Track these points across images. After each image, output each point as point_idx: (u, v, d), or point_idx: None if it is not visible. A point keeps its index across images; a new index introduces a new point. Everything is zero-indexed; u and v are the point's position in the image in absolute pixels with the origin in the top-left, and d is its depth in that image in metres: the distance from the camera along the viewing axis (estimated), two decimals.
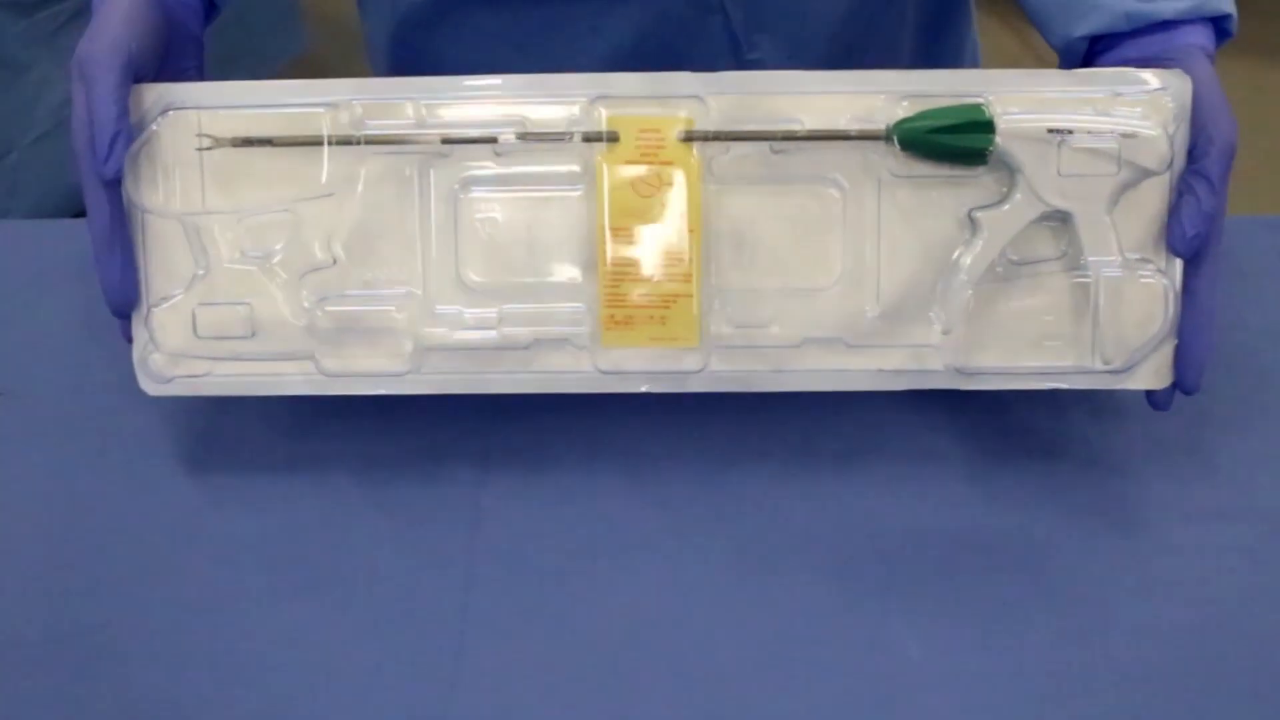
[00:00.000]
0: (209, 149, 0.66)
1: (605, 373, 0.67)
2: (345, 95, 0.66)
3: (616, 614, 0.64)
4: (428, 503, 0.69)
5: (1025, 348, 0.67)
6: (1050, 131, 0.64)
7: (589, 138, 0.65)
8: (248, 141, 0.66)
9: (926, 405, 0.70)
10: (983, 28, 0.97)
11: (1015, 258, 0.66)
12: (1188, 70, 0.66)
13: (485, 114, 0.66)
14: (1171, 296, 0.66)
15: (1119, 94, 0.65)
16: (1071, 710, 0.60)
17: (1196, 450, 0.71)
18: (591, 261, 0.66)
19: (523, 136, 0.65)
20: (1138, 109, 0.65)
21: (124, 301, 0.66)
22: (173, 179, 0.66)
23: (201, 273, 0.67)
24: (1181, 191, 0.65)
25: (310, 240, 0.67)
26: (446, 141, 0.66)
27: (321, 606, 0.65)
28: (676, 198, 0.65)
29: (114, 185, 0.64)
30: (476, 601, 0.65)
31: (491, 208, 0.67)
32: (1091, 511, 0.68)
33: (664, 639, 0.63)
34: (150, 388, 0.68)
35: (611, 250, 0.66)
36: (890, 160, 0.65)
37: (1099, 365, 0.66)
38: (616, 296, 0.66)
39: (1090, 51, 0.71)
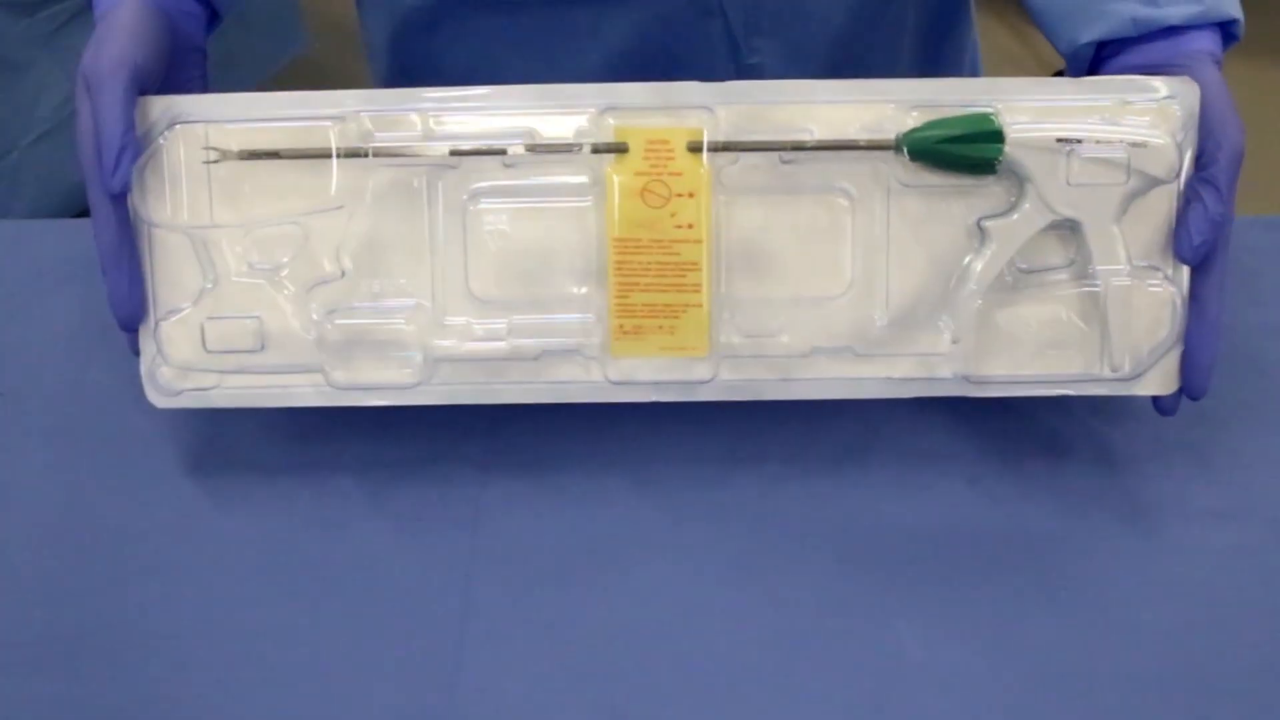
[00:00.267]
0: (216, 162, 0.66)
1: (615, 383, 0.67)
2: (353, 107, 0.66)
3: (617, 614, 0.64)
4: (429, 504, 0.69)
5: (1033, 355, 0.67)
6: (1059, 141, 0.64)
7: (598, 149, 0.65)
8: (255, 154, 0.66)
9: (928, 406, 0.70)
10: (983, 28, 0.97)
11: (1024, 266, 0.66)
12: (1195, 77, 0.66)
13: (493, 125, 0.66)
14: (1179, 304, 0.66)
15: (1128, 102, 0.65)
16: (1071, 710, 0.60)
17: (1196, 450, 0.71)
18: (600, 272, 0.66)
19: (531, 148, 0.65)
20: (1146, 117, 0.65)
21: (131, 315, 0.66)
22: (180, 192, 0.66)
23: (209, 286, 0.67)
24: (1189, 199, 0.65)
25: (318, 253, 0.67)
26: (455, 153, 0.65)
27: (322, 607, 0.65)
28: (686, 208, 0.65)
29: (121, 199, 0.64)
30: (477, 602, 0.65)
31: (500, 219, 0.67)
32: (1092, 511, 0.68)
33: (664, 639, 0.63)
34: (158, 400, 0.68)
35: (620, 261, 0.66)
36: (899, 170, 0.65)
37: (1107, 373, 0.66)
38: (626, 307, 0.66)
39: (1097, 57, 0.71)
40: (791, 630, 0.63)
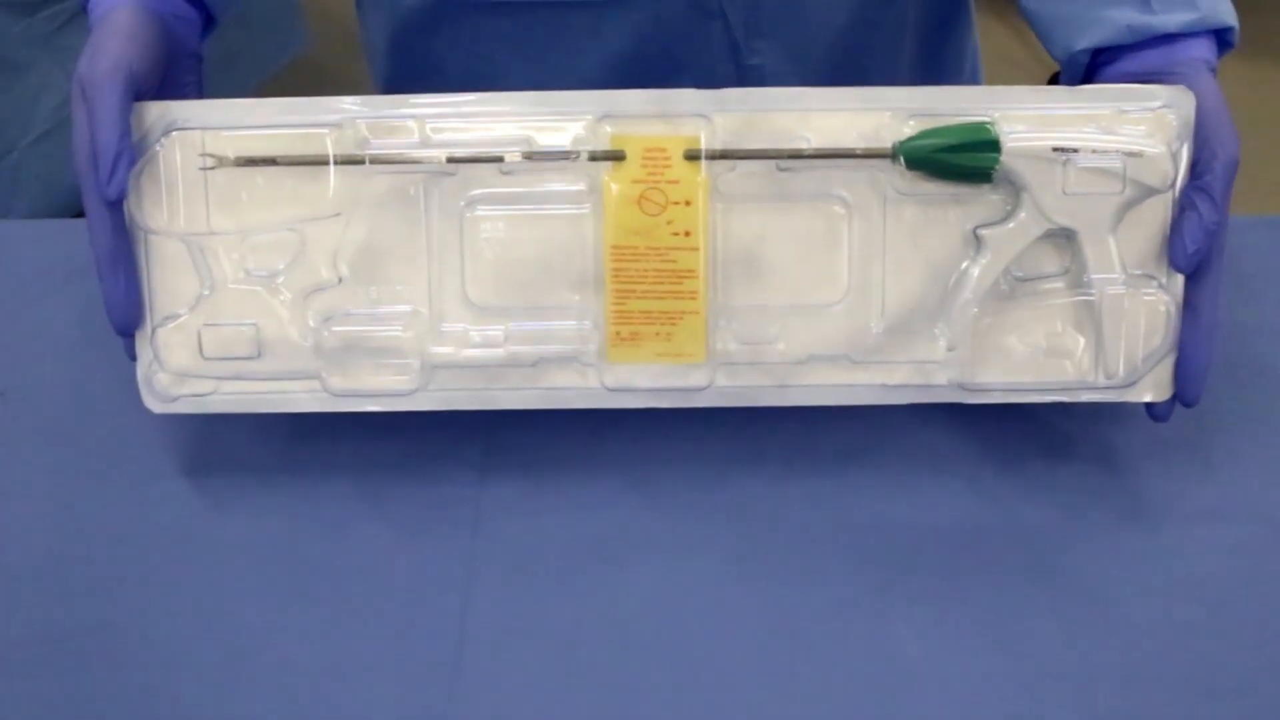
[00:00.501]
0: (212, 169, 0.66)
1: (611, 389, 0.67)
2: (350, 114, 0.66)
3: (616, 615, 0.64)
4: (428, 505, 0.69)
5: (1028, 363, 0.67)
6: (1055, 150, 0.64)
7: (595, 157, 0.65)
8: (251, 161, 0.65)
9: (926, 407, 0.70)
10: (983, 28, 0.97)
11: (1019, 274, 0.67)
12: (1191, 85, 0.66)
13: (491, 133, 0.66)
14: (1173, 312, 0.66)
15: (1124, 111, 0.65)
16: (1071, 710, 0.60)
17: (1196, 450, 0.71)
18: (598, 279, 0.66)
19: (528, 156, 0.65)
20: (1142, 127, 0.65)
21: (128, 321, 0.66)
22: (176, 199, 0.66)
23: (206, 292, 0.67)
24: (1184, 207, 0.65)
25: (315, 259, 0.67)
26: (452, 161, 0.65)
27: (321, 608, 0.65)
28: (682, 216, 0.65)
29: (117, 205, 0.64)
30: (476, 603, 0.65)
31: (497, 226, 0.67)
32: (1091, 511, 0.68)
33: (664, 640, 0.63)
34: (155, 406, 0.68)
35: (617, 269, 0.66)
36: (896, 178, 0.66)
37: (1101, 380, 0.67)
38: (622, 313, 0.66)
39: (1092, 64, 0.71)
40: (791, 630, 0.63)
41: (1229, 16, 0.69)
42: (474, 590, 0.65)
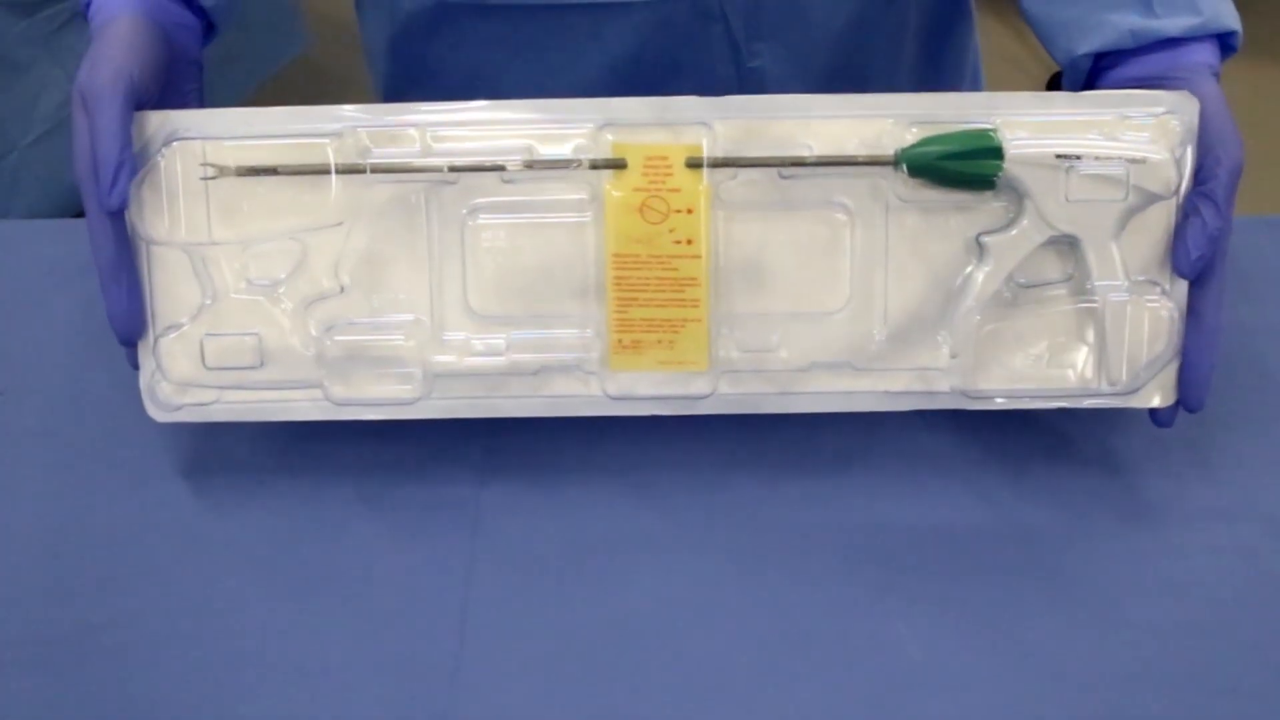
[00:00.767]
0: (213, 179, 0.66)
1: (614, 398, 0.67)
2: (350, 122, 0.65)
3: (616, 615, 0.64)
4: (428, 505, 0.69)
5: (1031, 370, 0.67)
6: (1058, 157, 0.64)
7: (596, 165, 0.65)
8: (253, 171, 0.65)
9: (927, 409, 0.70)
10: (983, 28, 0.97)
11: (1022, 280, 0.66)
12: (1194, 90, 0.65)
13: (492, 141, 0.66)
14: (1177, 318, 0.66)
15: (1127, 117, 0.65)
16: (1071, 710, 0.60)
17: (1197, 451, 0.71)
18: (600, 288, 0.66)
19: (529, 164, 0.65)
20: (1145, 133, 0.65)
21: (131, 331, 0.66)
22: (177, 208, 0.66)
23: (208, 302, 0.67)
24: (1187, 212, 0.65)
25: (317, 268, 0.67)
26: (453, 169, 0.65)
27: (321, 608, 0.65)
28: (684, 224, 0.65)
29: (118, 215, 0.64)
30: (476, 604, 0.65)
31: (499, 234, 0.66)
32: (1092, 511, 0.68)
33: (664, 640, 0.63)
34: (158, 415, 0.68)
35: (619, 277, 0.66)
36: (898, 185, 0.65)
37: (1104, 387, 0.66)
38: (624, 321, 0.66)
39: (1095, 69, 0.71)
40: (791, 631, 0.63)
41: (1232, 21, 0.69)
42: (474, 591, 0.65)
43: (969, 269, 0.66)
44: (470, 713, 0.61)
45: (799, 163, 0.65)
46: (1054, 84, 2.34)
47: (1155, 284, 0.66)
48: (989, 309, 0.66)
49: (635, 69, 0.82)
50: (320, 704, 0.61)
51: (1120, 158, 0.64)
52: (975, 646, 0.63)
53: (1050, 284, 0.67)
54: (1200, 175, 0.65)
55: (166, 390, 0.67)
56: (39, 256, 0.84)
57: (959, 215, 0.66)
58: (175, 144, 0.65)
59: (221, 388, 0.67)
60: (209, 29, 0.73)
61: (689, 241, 0.65)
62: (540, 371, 0.67)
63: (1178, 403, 0.67)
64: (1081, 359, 0.67)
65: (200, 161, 0.65)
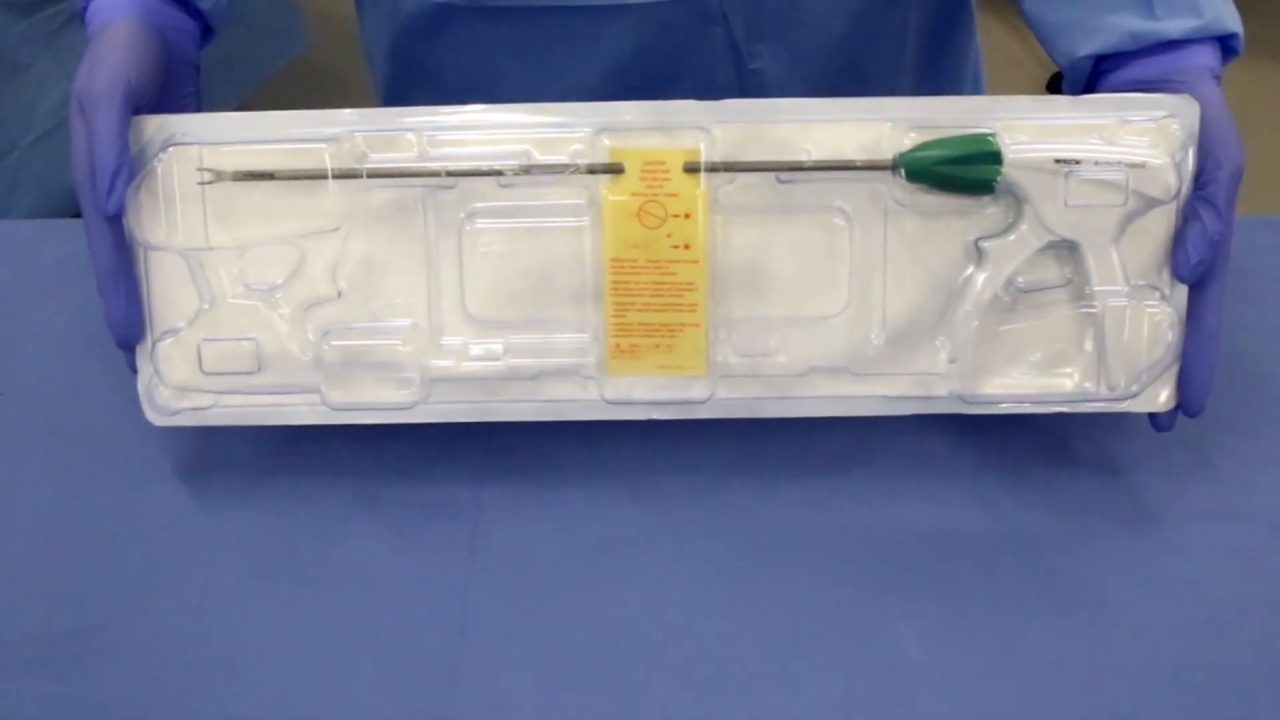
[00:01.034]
0: (210, 183, 0.65)
1: (612, 402, 0.67)
2: (348, 127, 0.65)
3: (615, 618, 0.64)
4: (426, 507, 0.69)
5: (1030, 373, 0.67)
6: (1057, 162, 0.63)
7: (593, 170, 0.65)
8: (249, 175, 0.65)
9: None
10: (983, 27, 0.97)
11: (1021, 284, 0.66)
12: (1195, 93, 0.65)
13: (489, 146, 0.65)
14: (1176, 324, 0.66)
15: (1127, 121, 0.65)
16: (1071, 710, 0.60)
17: (1196, 450, 0.71)
18: (597, 292, 0.66)
19: (527, 170, 0.65)
20: (1145, 137, 0.64)
21: (129, 336, 0.66)
22: (175, 213, 0.66)
23: (206, 307, 0.67)
24: (1188, 217, 0.65)
25: (314, 273, 0.67)
26: (450, 174, 0.65)
27: (321, 609, 0.65)
28: (682, 229, 0.65)
29: (116, 220, 0.64)
30: (475, 607, 0.65)
31: (496, 239, 0.66)
32: (1091, 512, 0.68)
33: (663, 641, 0.63)
34: (156, 419, 0.68)
35: (617, 282, 0.65)
36: (897, 190, 0.65)
37: (1104, 391, 0.66)
38: (622, 326, 0.66)
39: (1096, 71, 0.71)
40: (791, 632, 0.63)
41: (1233, 23, 0.69)
42: (472, 593, 0.65)
43: (967, 273, 0.66)
44: (470, 713, 0.61)
45: (797, 167, 0.65)
46: (1054, 84, 2.34)
47: (1155, 289, 0.66)
48: (988, 314, 0.66)
49: (635, 71, 0.82)
50: (320, 705, 0.61)
51: (1120, 162, 0.64)
52: (975, 646, 0.62)
53: (1049, 288, 0.66)
54: (1201, 179, 0.65)
55: (164, 395, 0.67)
56: (39, 256, 0.85)
57: (958, 220, 0.66)
58: (172, 149, 0.65)
59: (219, 392, 0.67)
60: (206, 32, 0.73)
61: (687, 246, 0.65)
62: (538, 376, 0.67)
63: (1177, 407, 0.67)
64: (1080, 364, 0.67)
65: (197, 166, 0.65)
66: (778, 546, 0.67)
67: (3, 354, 0.78)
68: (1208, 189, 0.64)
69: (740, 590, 0.65)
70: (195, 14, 0.72)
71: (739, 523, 0.68)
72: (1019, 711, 0.60)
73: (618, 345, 0.66)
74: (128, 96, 0.64)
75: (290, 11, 2.03)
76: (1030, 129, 0.64)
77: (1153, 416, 0.68)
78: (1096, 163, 0.64)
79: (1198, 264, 0.64)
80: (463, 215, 0.66)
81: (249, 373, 0.67)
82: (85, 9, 0.69)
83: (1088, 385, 0.67)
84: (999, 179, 0.64)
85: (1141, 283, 0.66)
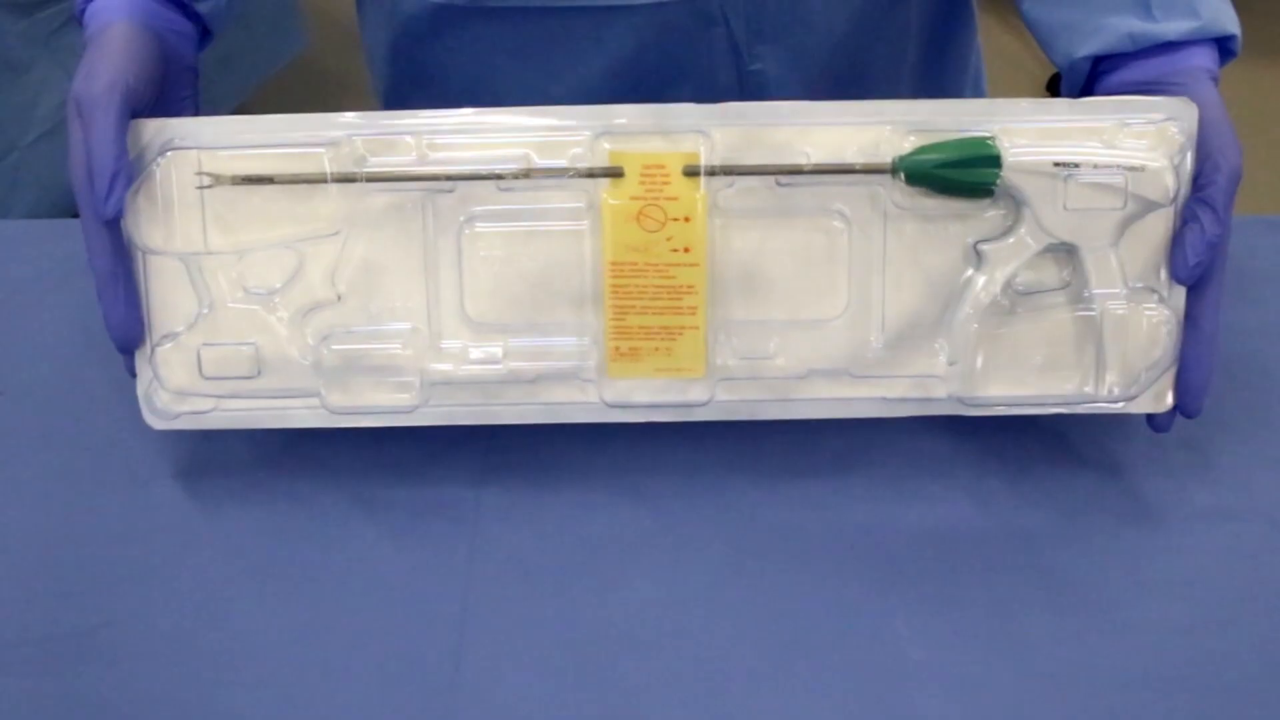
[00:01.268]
0: (209, 187, 0.65)
1: (611, 405, 0.67)
2: (347, 130, 0.65)
3: (615, 617, 0.64)
4: (426, 508, 0.69)
5: (1029, 376, 0.67)
6: (1057, 165, 0.63)
7: (593, 174, 0.65)
8: (248, 180, 0.65)
9: None
10: (983, 27, 0.97)
11: (1020, 286, 0.66)
12: (1192, 94, 0.65)
13: (489, 149, 0.65)
14: (1175, 326, 0.66)
15: (1126, 124, 0.65)
16: (1071, 710, 0.60)
17: (1196, 451, 0.71)
18: (597, 295, 0.66)
19: (526, 174, 0.65)
20: (1144, 140, 0.64)
21: (128, 339, 0.66)
22: (173, 218, 0.66)
23: (205, 311, 0.67)
24: (1186, 219, 0.65)
25: (313, 277, 0.66)
26: (449, 178, 0.65)
27: (320, 610, 0.65)
28: (682, 232, 0.65)
29: (115, 224, 0.64)
30: (475, 607, 0.65)
31: (495, 242, 0.66)
32: (1091, 511, 0.68)
33: (663, 641, 0.63)
34: (155, 423, 0.68)
35: (616, 285, 0.65)
36: (896, 193, 0.65)
37: (1102, 394, 0.66)
38: (622, 329, 0.66)
39: (1094, 73, 0.71)
40: (791, 632, 0.63)
41: (1231, 24, 0.68)
42: (472, 594, 0.65)
43: (966, 276, 0.66)
44: (470, 713, 0.61)
45: (797, 171, 0.65)
46: (1054, 84, 2.33)
47: (1153, 291, 0.66)
48: (987, 316, 0.66)
49: (636, 72, 0.82)
50: (320, 705, 0.61)
51: (1118, 166, 0.64)
52: (975, 646, 0.62)
53: (1048, 290, 0.66)
54: (1199, 181, 0.65)
55: (164, 399, 0.67)
56: (39, 256, 0.85)
57: (957, 223, 0.66)
58: (171, 153, 0.65)
59: (219, 396, 0.67)
60: (203, 35, 0.73)
61: (686, 249, 0.65)
62: (538, 380, 0.67)
63: (1176, 408, 0.67)
64: (1079, 366, 0.67)
65: (196, 170, 0.65)
66: (777, 546, 0.67)
67: (3, 354, 0.78)
68: (1206, 191, 0.64)
69: (740, 590, 0.65)
70: (193, 16, 0.72)
71: (739, 523, 0.68)
72: (1019, 711, 0.60)
73: (617, 348, 0.66)
74: (126, 99, 0.64)
75: (290, 11, 2.04)
76: (1029, 132, 0.64)
77: (1150, 417, 0.68)
78: (1095, 166, 0.64)
79: (1196, 266, 0.64)
80: (462, 219, 0.66)
81: (248, 377, 0.67)
82: (83, 11, 0.69)
83: (1086, 388, 0.67)
84: (998, 183, 0.64)
85: (1139, 285, 0.66)
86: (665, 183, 0.64)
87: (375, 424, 0.68)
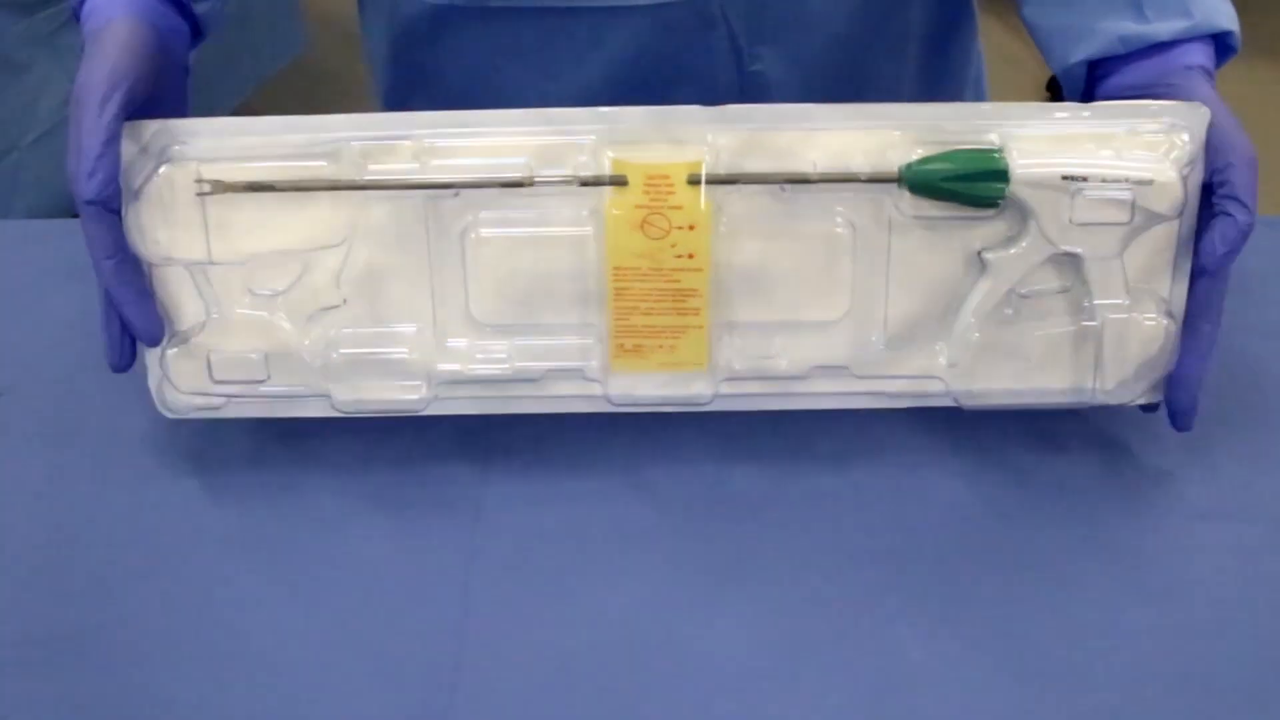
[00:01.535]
0: (210, 194, 0.65)
1: (616, 401, 0.68)
2: (348, 134, 0.65)
3: (616, 613, 0.64)
4: (428, 503, 0.69)
5: (1027, 377, 0.67)
6: (1064, 179, 0.63)
7: (598, 182, 0.64)
8: (250, 186, 0.65)
9: (926, 408, 0.70)
10: (983, 28, 0.96)
11: (1021, 290, 0.66)
12: (1189, 94, 0.65)
13: (491, 157, 0.65)
14: (1174, 334, 0.66)
15: (1137, 132, 0.64)
16: (1071, 710, 0.60)
17: (1196, 450, 0.71)
18: (601, 296, 0.66)
19: (529, 183, 0.65)
20: (1153, 151, 0.64)
21: (152, 336, 0.66)
22: (175, 226, 0.65)
23: (214, 316, 0.67)
24: (1216, 213, 0.64)
25: (318, 282, 0.66)
26: (451, 187, 0.65)
27: (322, 606, 0.65)
28: (686, 240, 0.65)
29: (114, 220, 0.64)
30: (476, 601, 0.65)
31: (499, 247, 0.66)
32: (1091, 512, 0.68)
33: (664, 639, 0.63)
34: (169, 414, 0.69)
35: (620, 289, 0.66)
36: (901, 201, 0.65)
37: (1100, 397, 0.67)
38: (626, 328, 0.66)
39: (1091, 77, 0.71)
40: (791, 630, 0.63)
41: (1226, 21, 0.68)
42: (475, 588, 0.65)
43: (970, 283, 0.66)
44: (470, 712, 0.61)
45: (802, 179, 0.64)
46: (1054, 84, 2.33)
47: (1153, 297, 0.66)
48: (987, 320, 0.66)
49: (636, 73, 0.82)
50: (320, 703, 0.61)
51: (1127, 179, 0.63)
52: (975, 646, 0.62)
53: (1049, 295, 0.66)
54: (1217, 179, 0.64)
55: (175, 396, 0.68)
56: (39, 256, 0.85)
57: (961, 230, 0.65)
58: (171, 161, 0.65)
59: (229, 397, 0.68)
60: (195, 36, 0.73)
61: (691, 256, 0.65)
62: (543, 378, 0.68)
63: (1172, 413, 0.67)
64: (1077, 366, 0.67)
65: (196, 177, 0.65)
66: (779, 542, 0.67)
67: (3, 354, 0.78)
68: (1228, 186, 0.63)
69: (740, 589, 0.65)
70: (188, 16, 0.72)
71: (739, 520, 0.68)
72: (1019, 711, 0.60)
73: (621, 345, 0.66)
74: (121, 89, 0.63)
75: (290, 12, 2.03)
76: (1037, 139, 0.64)
77: (1172, 415, 0.67)
78: (1104, 180, 0.63)
79: (1225, 254, 0.63)
80: (465, 224, 0.66)
81: (258, 381, 0.67)
82: (79, 9, 0.69)
83: (1084, 391, 0.67)
84: (1005, 197, 0.63)
85: (1141, 287, 0.66)
86: (670, 192, 0.64)
87: (386, 414, 0.68)
